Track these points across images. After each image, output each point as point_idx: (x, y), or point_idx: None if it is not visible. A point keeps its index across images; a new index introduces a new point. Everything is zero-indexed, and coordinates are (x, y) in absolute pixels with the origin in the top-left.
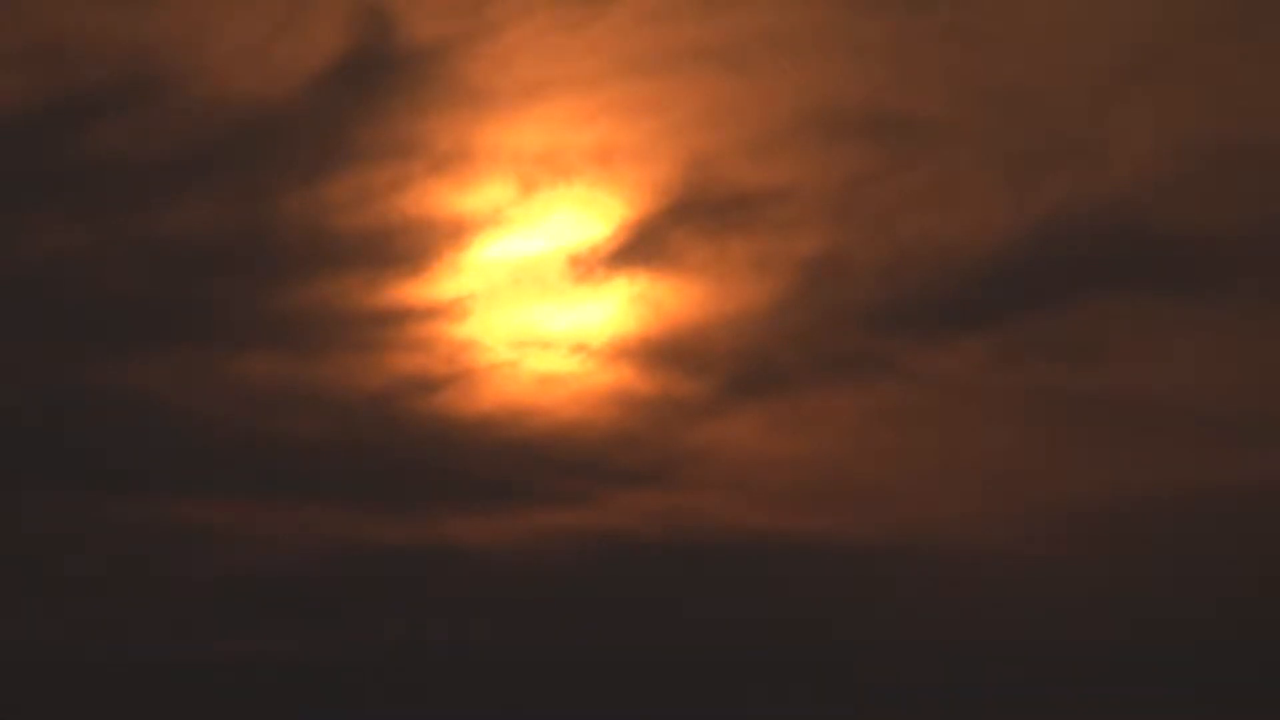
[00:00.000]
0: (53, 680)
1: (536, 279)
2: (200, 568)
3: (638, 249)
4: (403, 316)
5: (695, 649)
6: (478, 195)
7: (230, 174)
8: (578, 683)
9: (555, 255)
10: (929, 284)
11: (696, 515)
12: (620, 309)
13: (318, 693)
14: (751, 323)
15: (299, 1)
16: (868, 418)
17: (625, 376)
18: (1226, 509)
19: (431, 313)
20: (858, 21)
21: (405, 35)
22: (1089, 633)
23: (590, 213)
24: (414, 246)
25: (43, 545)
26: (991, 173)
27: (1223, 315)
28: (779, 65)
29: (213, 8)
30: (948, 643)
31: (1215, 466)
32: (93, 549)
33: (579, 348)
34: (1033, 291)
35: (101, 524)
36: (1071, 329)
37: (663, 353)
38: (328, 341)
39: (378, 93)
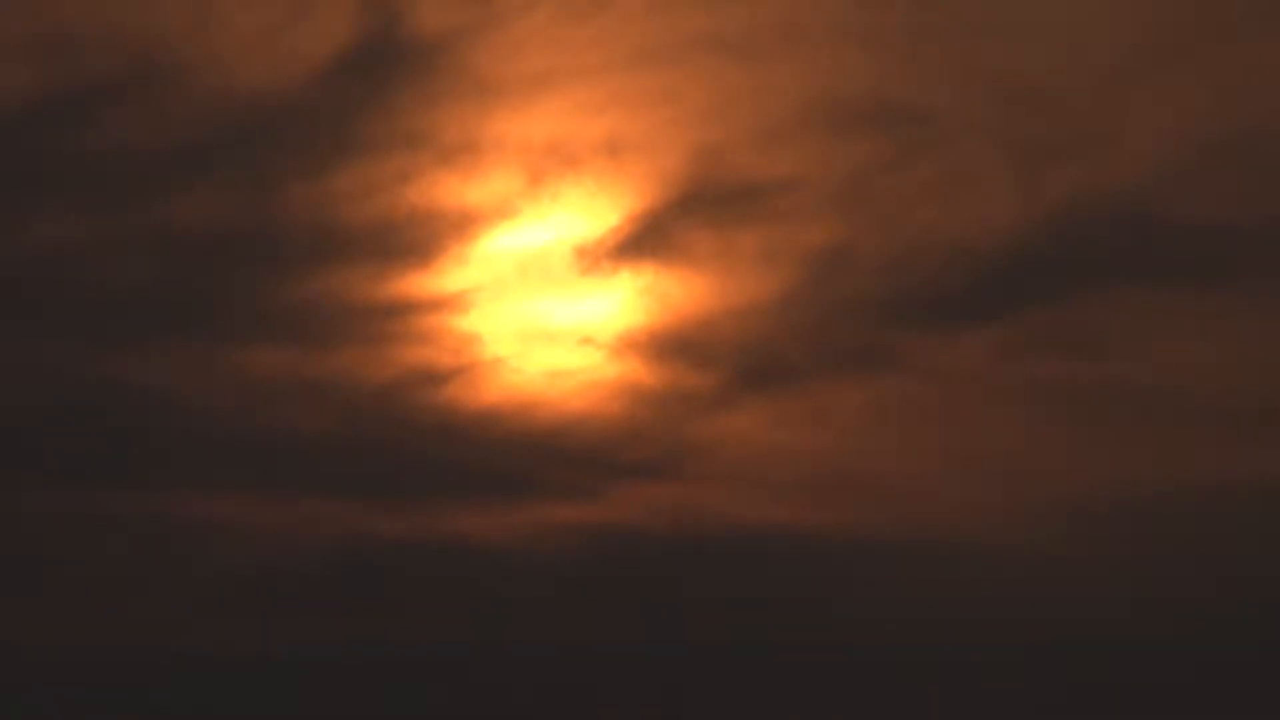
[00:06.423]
0: (53, 680)
1: (543, 271)
2: (203, 562)
3: (645, 241)
4: (408, 309)
5: (701, 643)
6: (485, 187)
7: (236, 165)
8: (583, 677)
9: (562, 247)
10: (936, 277)
11: (703, 508)
12: (627, 301)
13: (321, 688)
14: (759, 315)
15: None
16: (875, 411)
17: (632, 369)
18: (1234, 503)
19: (437, 305)
20: (866, 13)
21: (413, 26)
22: (1093, 627)
23: (597, 204)
24: (420, 238)
25: (43, 544)
26: (1000, 166)
27: (1231, 309)
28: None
29: None
30: (952, 636)
31: (1223, 460)
32: (94, 545)
33: (586, 340)
34: (1040, 285)
35: (103, 519)
36: (1079, 322)
37: (670, 345)
38: (333, 334)
39: (385, 84)
